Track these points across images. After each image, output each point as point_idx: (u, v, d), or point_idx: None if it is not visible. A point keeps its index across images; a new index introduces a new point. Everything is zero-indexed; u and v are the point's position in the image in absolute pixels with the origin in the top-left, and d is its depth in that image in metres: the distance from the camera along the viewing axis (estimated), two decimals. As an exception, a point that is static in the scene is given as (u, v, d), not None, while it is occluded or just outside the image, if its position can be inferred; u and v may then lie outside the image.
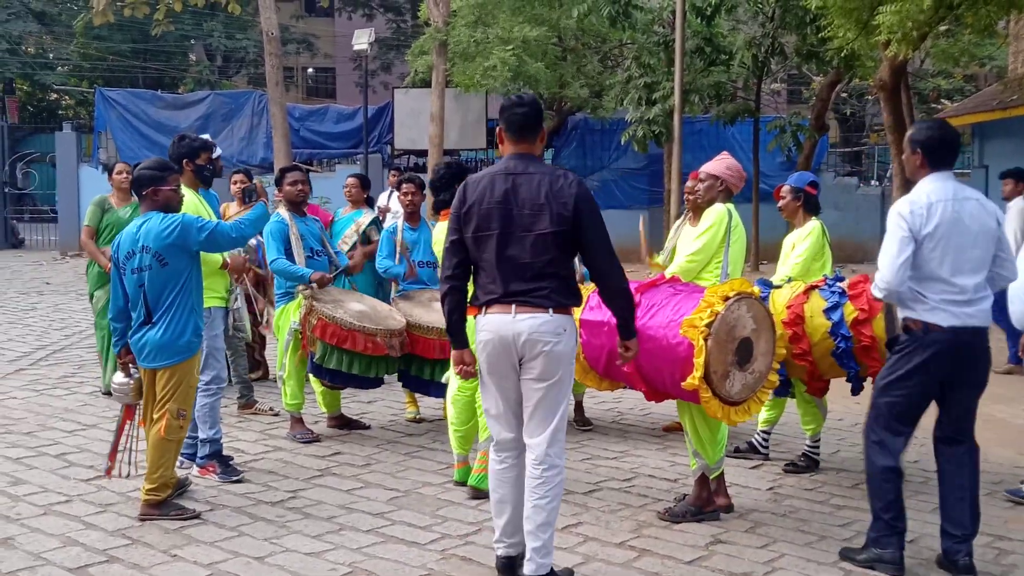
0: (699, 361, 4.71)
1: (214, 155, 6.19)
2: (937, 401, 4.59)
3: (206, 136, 6.52)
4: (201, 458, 5.88)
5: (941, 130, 4.59)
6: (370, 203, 8.39)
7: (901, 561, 4.48)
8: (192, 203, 5.72)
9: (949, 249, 4.39)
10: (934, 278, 4.40)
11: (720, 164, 6.00)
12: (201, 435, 5.84)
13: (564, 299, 4.21)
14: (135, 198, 7.97)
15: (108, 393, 7.77)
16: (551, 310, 4.17)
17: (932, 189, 4.44)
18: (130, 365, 5.30)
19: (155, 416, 5.16)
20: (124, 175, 8.21)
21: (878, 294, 4.52)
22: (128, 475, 5.47)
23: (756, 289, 5.21)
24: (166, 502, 5.18)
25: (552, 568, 4.23)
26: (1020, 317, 5.67)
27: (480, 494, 5.47)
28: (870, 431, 4.60)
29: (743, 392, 4.94)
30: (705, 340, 4.71)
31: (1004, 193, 9.74)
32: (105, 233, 7.97)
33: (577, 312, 5.25)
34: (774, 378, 5.16)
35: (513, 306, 4.18)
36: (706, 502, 5.24)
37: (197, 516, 5.16)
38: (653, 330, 4.95)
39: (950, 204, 4.41)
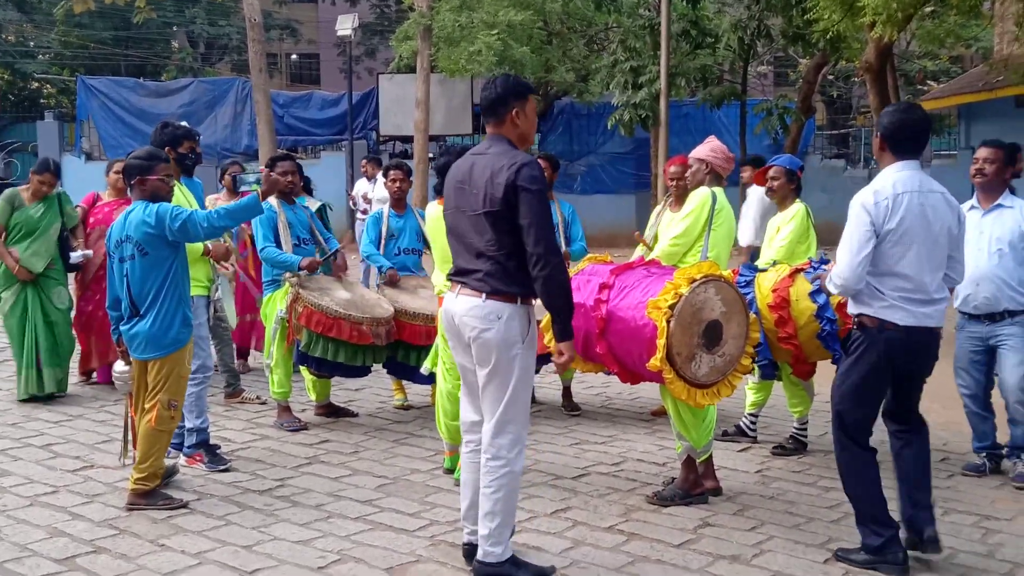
0: (661, 343, 4.72)
1: (195, 144, 6.14)
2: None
3: (183, 123, 6.47)
4: (188, 447, 5.85)
5: (904, 114, 4.35)
6: (308, 190, 8.47)
7: (905, 560, 4.31)
8: (175, 192, 5.67)
9: (911, 245, 4.21)
10: (892, 274, 4.24)
11: (705, 147, 6.01)
12: (188, 424, 5.81)
13: (502, 285, 4.10)
14: (50, 191, 7.69)
15: (25, 400, 7.53)
16: (484, 296, 4.12)
17: (898, 179, 4.26)
18: (130, 353, 5.28)
19: (146, 407, 5.15)
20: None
21: (833, 290, 4.39)
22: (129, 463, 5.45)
23: (727, 272, 5.20)
24: (154, 492, 5.16)
25: (505, 559, 4.15)
26: (984, 300, 5.59)
27: None
28: (837, 439, 4.47)
29: (711, 375, 4.93)
30: (668, 322, 4.70)
31: (743, 180, 9.86)
32: (14, 232, 7.63)
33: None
34: (747, 362, 5.14)
35: (458, 286, 4.24)
36: (693, 485, 5.25)
37: (184, 505, 5.15)
38: (623, 311, 4.98)
39: (916, 197, 4.22)
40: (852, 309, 4.40)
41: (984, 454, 5.81)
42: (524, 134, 4.27)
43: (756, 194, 9.55)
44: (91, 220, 8.17)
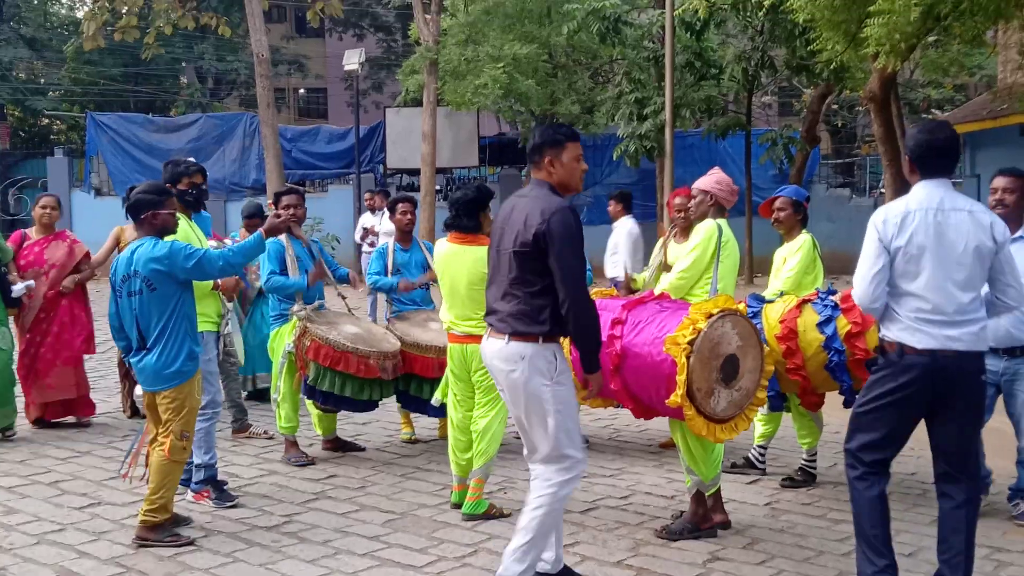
0: (681, 379, 4.69)
1: (196, 180, 6.17)
2: (928, 433, 4.28)
3: (191, 159, 6.49)
4: (196, 483, 5.84)
5: (931, 134, 4.24)
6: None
7: None
8: (182, 228, 5.71)
9: (926, 264, 4.06)
10: (908, 294, 4.10)
11: (710, 179, 6.02)
12: (196, 460, 5.80)
13: (523, 326, 4.22)
14: None
15: None
16: (508, 337, 4.25)
17: (915, 198, 4.15)
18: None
19: (160, 439, 5.17)
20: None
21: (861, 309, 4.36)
22: (140, 477, 5.48)
23: (742, 306, 5.19)
24: (163, 526, 5.15)
25: None
26: (1006, 334, 5.31)
27: (474, 519, 5.49)
28: (850, 462, 4.29)
29: (729, 409, 4.90)
30: (687, 357, 4.69)
31: (611, 214, 9.84)
32: None
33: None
34: (762, 395, 5.12)
35: (489, 328, 4.38)
36: (703, 519, 5.22)
37: (192, 542, 5.13)
38: (638, 347, 4.95)
39: (931, 214, 4.08)
40: (879, 333, 4.29)
41: None
42: (563, 181, 4.35)
43: (624, 227, 9.79)
44: (21, 262, 7.82)
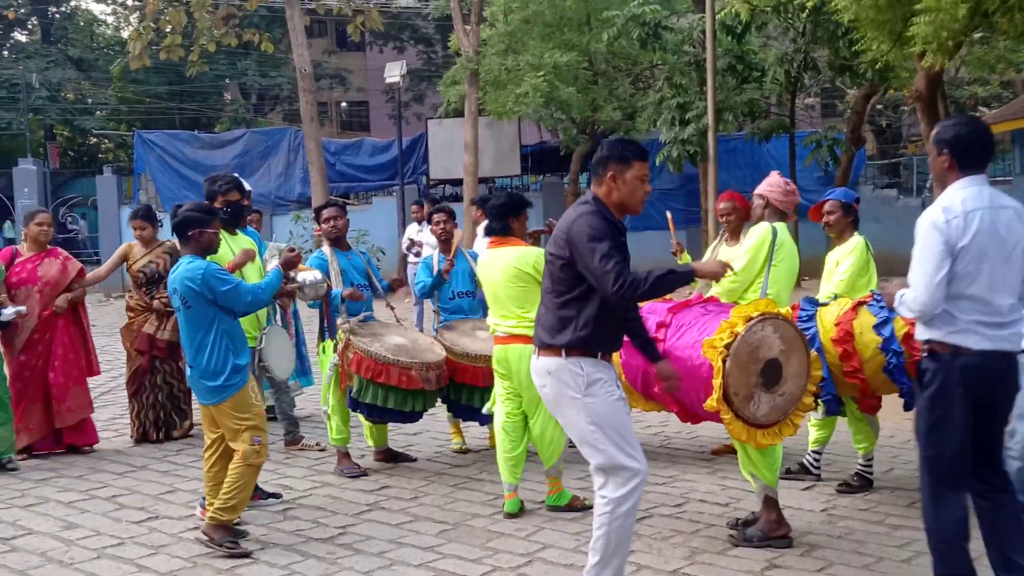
0: (717, 382, 4.64)
1: (231, 197, 6.25)
2: None
3: (228, 176, 6.59)
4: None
5: (970, 126, 4.06)
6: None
7: None
8: (245, 243, 5.82)
9: (984, 264, 3.90)
10: (966, 296, 3.92)
11: (764, 183, 5.99)
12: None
13: (548, 337, 4.18)
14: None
15: None
16: (537, 351, 4.26)
17: (967, 196, 3.96)
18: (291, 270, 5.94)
19: (233, 446, 5.30)
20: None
21: (907, 314, 4.08)
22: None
23: (786, 310, 5.13)
24: (225, 529, 5.24)
25: None
26: None
27: (557, 510, 5.68)
28: (926, 489, 4.07)
29: (772, 414, 4.82)
30: (724, 361, 4.64)
31: (473, 219, 9.49)
32: None
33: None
34: (808, 400, 5.03)
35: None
36: (774, 526, 5.08)
37: (248, 555, 5.17)
38: (680, 351, 4.93)
39: (987, 213, 3.92)
40: (921, 335, 4.10)
41: None
42: (623, 199, 4.19)
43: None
44: (13, 279, 7.44)
